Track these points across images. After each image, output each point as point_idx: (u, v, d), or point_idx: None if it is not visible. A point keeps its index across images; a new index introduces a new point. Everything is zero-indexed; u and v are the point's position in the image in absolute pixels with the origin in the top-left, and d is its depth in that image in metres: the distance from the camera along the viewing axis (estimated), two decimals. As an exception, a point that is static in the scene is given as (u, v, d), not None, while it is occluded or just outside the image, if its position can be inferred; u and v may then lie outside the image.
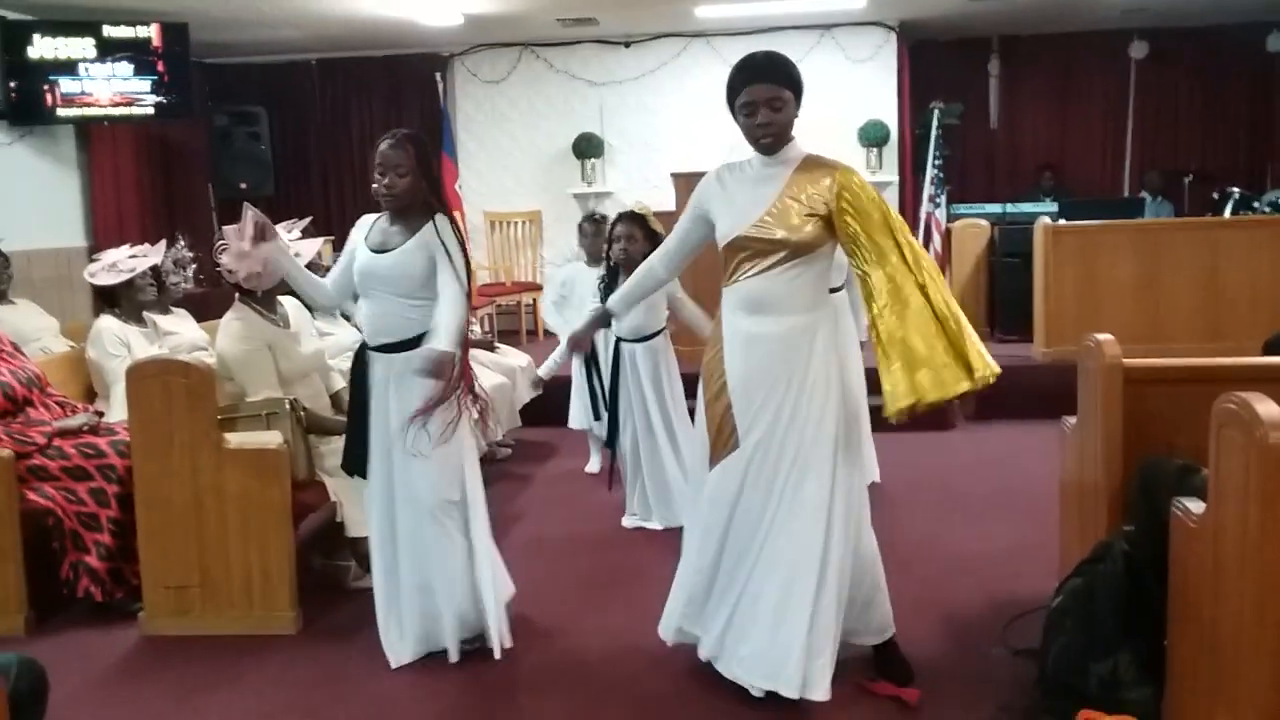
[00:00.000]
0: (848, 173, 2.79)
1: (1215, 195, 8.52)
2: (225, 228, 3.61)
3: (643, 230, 4.26)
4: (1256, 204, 8.15)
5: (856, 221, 2.71)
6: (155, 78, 7.27)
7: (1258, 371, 2.73)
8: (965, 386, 2.65)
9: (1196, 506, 2.35)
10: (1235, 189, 8.37)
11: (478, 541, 3.19)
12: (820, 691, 2.71)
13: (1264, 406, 2.08)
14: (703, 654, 2.98)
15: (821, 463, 2.76)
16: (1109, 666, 2.63)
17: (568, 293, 5.35)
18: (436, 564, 3.15)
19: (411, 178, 3.09)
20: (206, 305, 5.95)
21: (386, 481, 3.19)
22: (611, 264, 4.34)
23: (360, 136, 9.47)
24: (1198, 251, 6.56)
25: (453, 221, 3.17)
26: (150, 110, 7.34)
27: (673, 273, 3.19)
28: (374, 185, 3.12)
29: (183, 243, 6.54)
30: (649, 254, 4.25)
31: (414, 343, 3.07)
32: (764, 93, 2.75)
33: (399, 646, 3.22)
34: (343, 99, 9.48)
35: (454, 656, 3.19)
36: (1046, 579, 3.23)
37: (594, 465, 5.50)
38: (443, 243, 3.07)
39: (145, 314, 4.53)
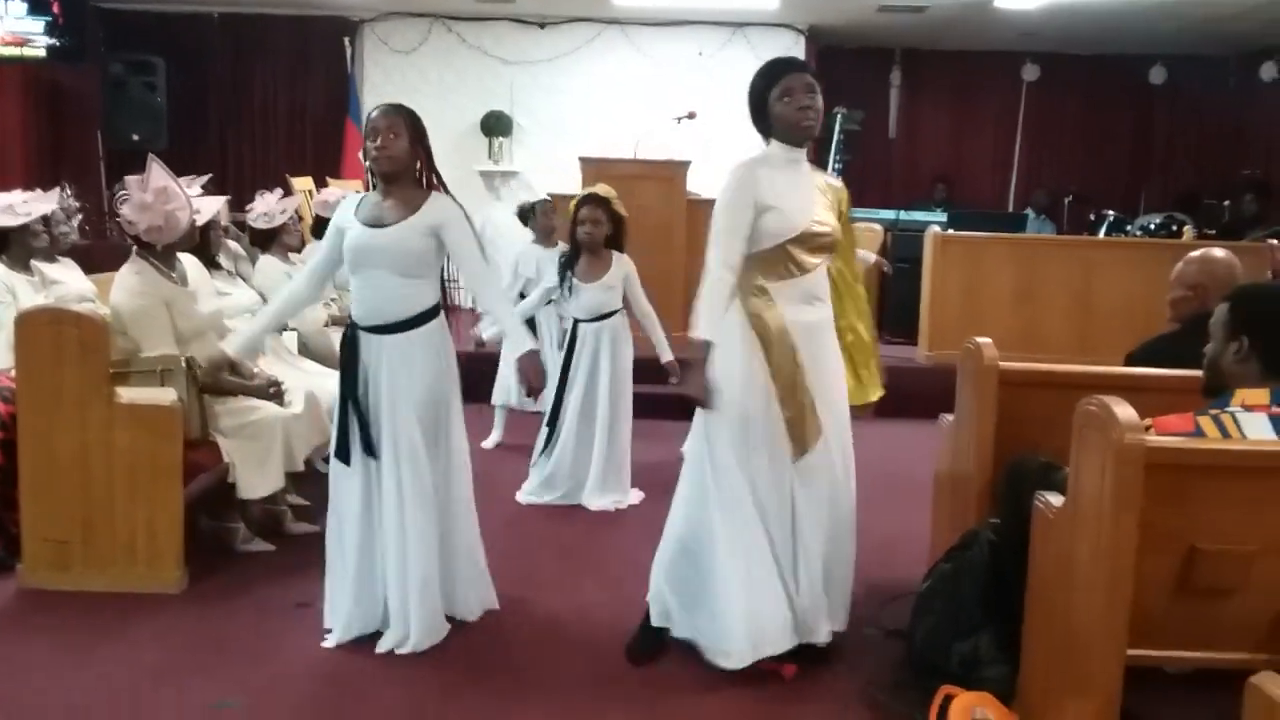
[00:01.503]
0: (838, 183, 3.14)
1: (1092, 216, 8.99)
2: (127, 178, 3.54)
3: (607, 213, 4.36)
4: (1129, 227, 8.64)
5: (844, 221, 3.04)
6: (50, 19, 7.01)
7: (1120, 380, 2.93)
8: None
9: (1056, 500, 2.54)
10: (1111, 211, 8.85)
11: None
12: None
13: (1121, 409, 2.27)
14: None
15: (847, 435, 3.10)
16: (970, 646, 2.83)
17: (535, 274, 5.33)
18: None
19: (405, 142, 3.02)
20: (90, 257, 5.76)
21: (377, 468, 3.10)
22: (574, 244, 4.42)
23: (262, 95, 9.28)
24: (1073, 268, 6.95)
25: (449, 194, 3.13)
26: (42, 52, 7.08)
27: (737, 274, 2.98)
28: (366, 152, 3.04)
29: (69, 191, 6.31)
30: (611, 236, 4.40)
31: (410, 323, 3.04)
32: (802, 80, 2.91)
33: (353, 623, 3.15)
34: (246, 56, 9.26)
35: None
36: (918, 566, 3.42)
37: (493, 441, 5.57)
38: (466, 220, 3.07)
39: (32, 262, 4.39)
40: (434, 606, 3.14)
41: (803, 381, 2.96)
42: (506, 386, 5.49)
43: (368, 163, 3.08)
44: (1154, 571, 2.30)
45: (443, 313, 3.15)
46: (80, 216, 6.52)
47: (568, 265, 4.50)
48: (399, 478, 3.06)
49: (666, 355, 4.51)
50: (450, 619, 3.23)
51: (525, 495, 4.66)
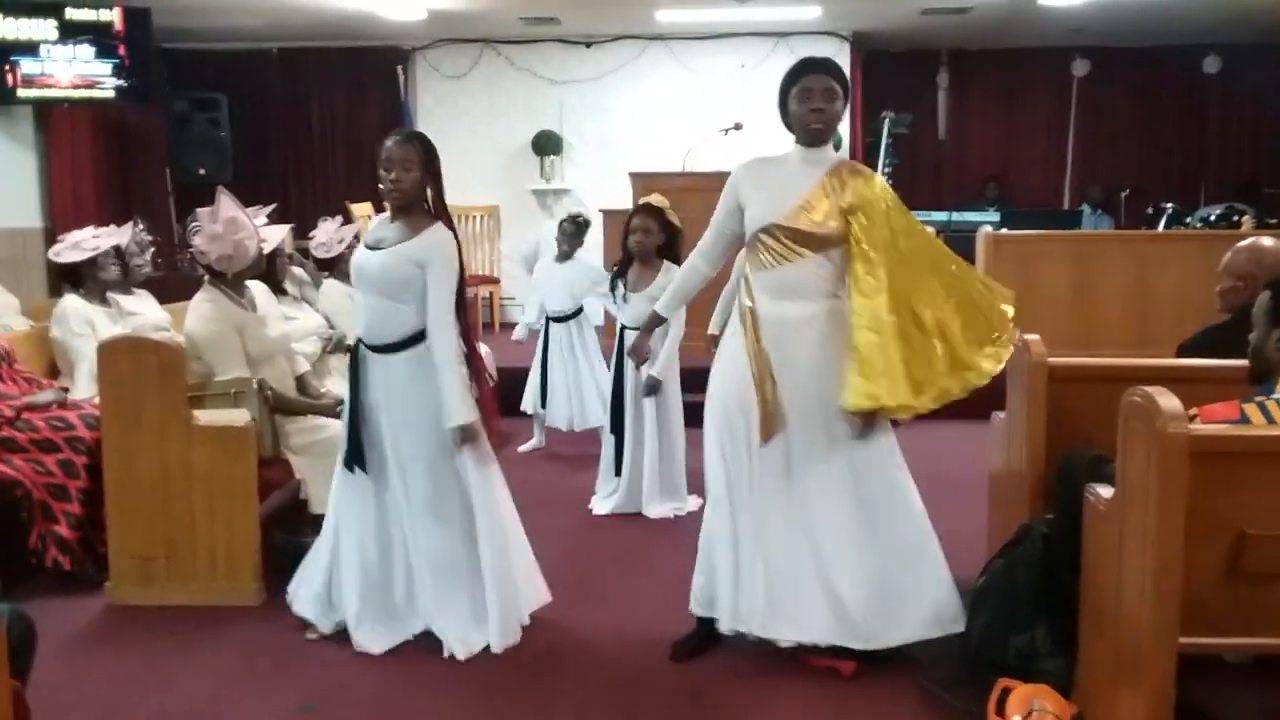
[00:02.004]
0: (872, 179, 3.04)
1: (1150, 209, 8.88)
2: (198, 210, 3.71)
3: (658, 222, 4.45)
4: (1189, 219, 8.53)
5: (858, 224, 2.96)
6: (116, 61, 7.29)
7: (1168, 372, 2.95)
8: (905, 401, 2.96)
9: (1106, 492, 2.57)
10: (1169, 204, 8.75)
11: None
12: None
13: (1165, 400, 2.30)
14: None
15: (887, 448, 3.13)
16: (1027, 640, 2.86)
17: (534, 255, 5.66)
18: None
19: (418, 174, 3.10)
20: (164, 288, 6.00)
21: (381, 479, 3.25)
22: (627, 254, 4.53)
23: (320, 126, 9.54)
24: (1130, 263, 6.88)
25: (453, 228, 3.18)
26: (110, 94, 7.36)
27: (715, 267, 3.24)
28: (380, 183, 3.13)
29: (142, 226, 6.57)
30: (663, 246, 4.46)
31: (405, 344, 3.14)
32: (820, 82, 2.98)
33: (379, 634, 3.27)
34: (303, 88, 9.53)
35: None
36: (973, 564, 3.43)
37: (533, 444, 5.78)
38: (452, 259, 3.11)
39: (109, 294, 4.60)
40: (462, 614, 3.24)
41: (768, 371, 3.01)
42: (535, 393, 5.64)
43: (381, 189, 3.17)
44: (1204, 559, 2.32)
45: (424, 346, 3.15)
46: (153, 249, 6.81)
47: (619, 274, 4.60)
48: (404, 491, 3.21)
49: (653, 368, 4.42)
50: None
51: (601, 508, 4.74)
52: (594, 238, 7.05)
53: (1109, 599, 2.53)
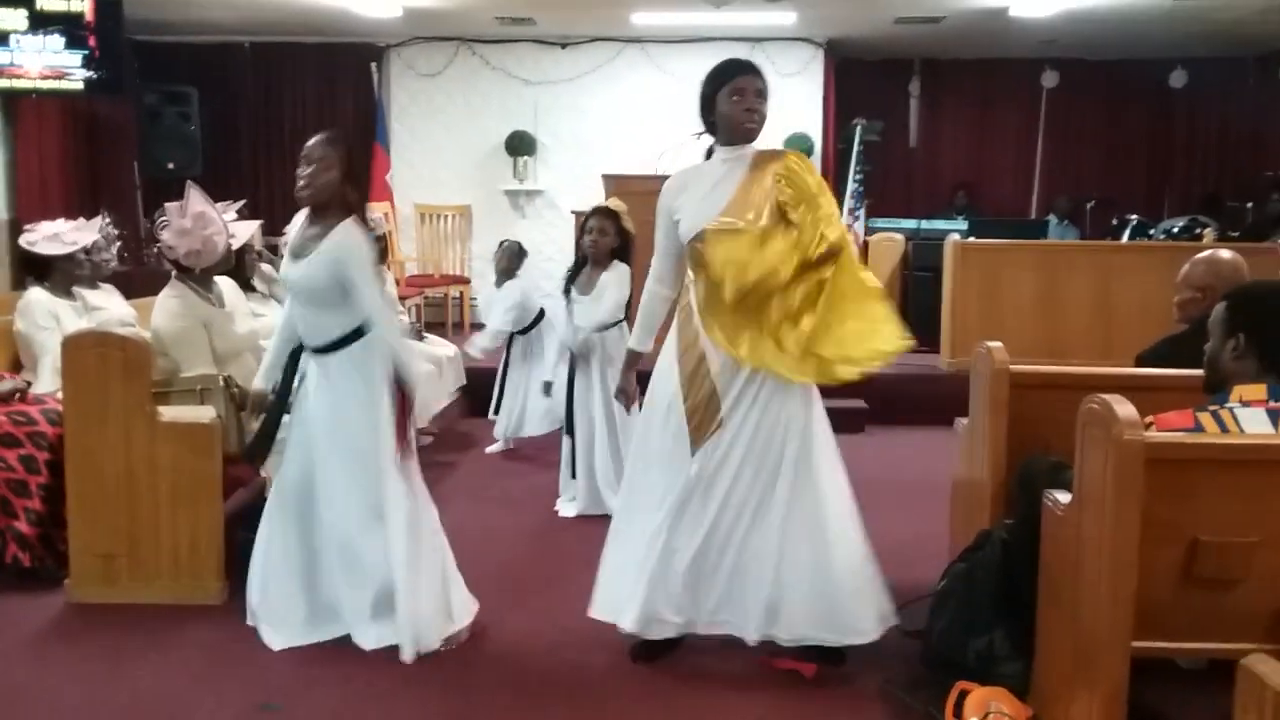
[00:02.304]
0: (789, 155, 3.04)
1: (1115, 221, 9.00)
2: (167, 204, 3.70)
3: (614, 225, 4.48)
4: (1153, 231, 8.65)
5: (792, 188, 2.94)
6: (86, 52, 7.21)
7: (1127, 380, 3.00)
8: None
9: (1064, 498, 2.61)
10: (1134, 216, 8.87)
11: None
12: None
13: (1121, 407, 2.35)
14: (704, 630, 3.12)
15: (824, 438, 3.11)
16: (985, 643, 2.90)
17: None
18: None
19: (334, 175, 3.05)
20: (129, 283, 5.94)
21: (304, 478, 3.26)
22: (581, 255, 4.55)
23: (292, 121, 9.48)
24: (1095, 273, 6.96)
25: (365, 223, 3.15)
26: (80, 85, 7.28)
27: (675, 288, 3.21)
28: (296, 181, 3.10)
29: (108, 219, 6.51)
30: (616, 249, 4.49)
31: (341, 343, 3.13)
32: (754, 83, 2.99)
33: (298, 630, 3.28)
34: (275, 83, 9.47)
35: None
36: (936, 569, 3.47)
37: (498, 446, 5.79)
38: (364, 253, 3.07)
39: (74, 288, 4.56)
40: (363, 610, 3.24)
41: (705, 372, 3.02)
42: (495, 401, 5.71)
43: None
44: (1158, 564, 2.37)
45: (362, 343, 3.14)
46: (119, 243, 6.75)
47: (570, 279, 4.62)
48: (322, 481, 3.21)
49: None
50: None
51: (567, 510, 4.74)
52: (566, 237, 7.08)
53: (1065, 603, 2.57)
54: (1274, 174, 8.96)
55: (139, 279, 6.24)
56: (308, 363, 3.24)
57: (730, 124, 3.02)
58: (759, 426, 3.01)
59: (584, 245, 4.54)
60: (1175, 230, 8.52)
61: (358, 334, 3.15)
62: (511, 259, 5.83)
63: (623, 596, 3.12)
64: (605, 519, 4.53)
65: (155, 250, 7.87)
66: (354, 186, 3.13)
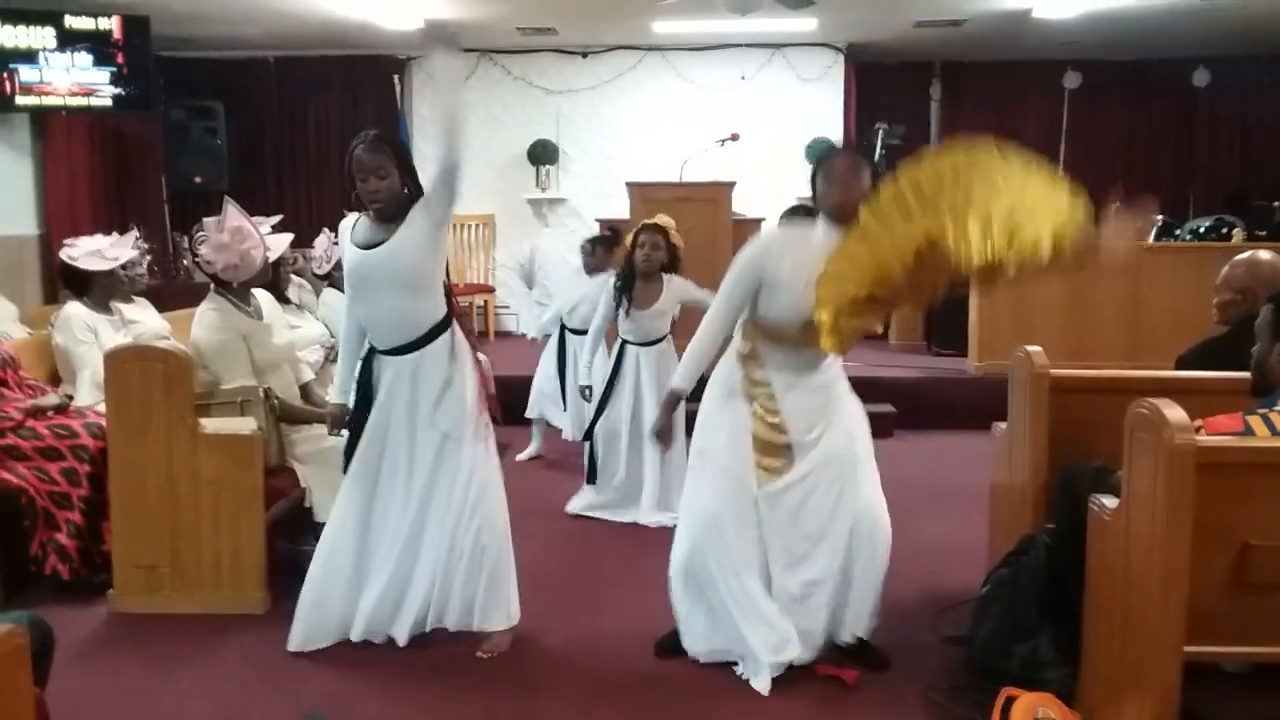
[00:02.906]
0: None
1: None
2: (205, 219, 3.73)
3: (665, 240, 4.57)
4: (1179, 231, 8.60)
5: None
6: (114, 69, 7.29)
7: (1170, 383, 2.99)
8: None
9: (1111, 502, 2.60)
10: (1160, 216, 8.81)
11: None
12: None
13: (1172, 412, 2.34)
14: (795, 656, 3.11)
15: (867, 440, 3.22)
16: (1030, 648, 2.89)
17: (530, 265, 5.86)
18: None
19: (394, 178, 3.09)
20: (158, 296, 6.01)
21: (404, 479, 3.24)
22: (632, 270, 4.63)
23: (316, 134, 9.55)
24: (1123, 274, 6.92)
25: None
26: (108, 102, 7.36)
27: (730, 332, 3.22)
28: (358, 191, 3.12)
29: (138, 234, 6.58)
30: (667, 264, 4.59)
31: (428, 337, 3.16)
32: (842, 164, 3.06)
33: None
34: (300, 97, 9.53)
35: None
36: (974, 574, 3.48)
37: (530, 452, 5.84)
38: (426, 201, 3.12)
39: (111, 302, 4.60)
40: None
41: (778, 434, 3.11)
42: (539, 399, 5.72)
43: (360, 198, 3.14)
44: (1208, 569, 2.36)
45: (452, 327, 3.22)
46: (149, 258, 6.82)
47: (624, 289, 4.65)
48: (417, 492, 3.20)
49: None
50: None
51: (574, 506, 4.83)
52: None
53: (1114, 608, 2.57)
54: (1302, 172, 8.90)
55: (168, 293, 6.30)
56: (383, 369, 3.22)
57: (826, 205, 3.05)
58: (825, 460, 3.10)
59: (637, 260, 4.60)
60: (1202, 230, 8.46)
61: (448, 321, 3.19)
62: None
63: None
64: (636, 527, 4.62)
65: (184, 264, 7.99)
66: (412, 179, 3.16)
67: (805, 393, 3.11)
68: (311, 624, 3.30)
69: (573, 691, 3.09)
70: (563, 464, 5.71)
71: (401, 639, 3.28)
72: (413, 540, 3.23)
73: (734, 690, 3.08)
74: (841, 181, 3.00)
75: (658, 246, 4.57)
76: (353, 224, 3.27)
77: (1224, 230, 8.34)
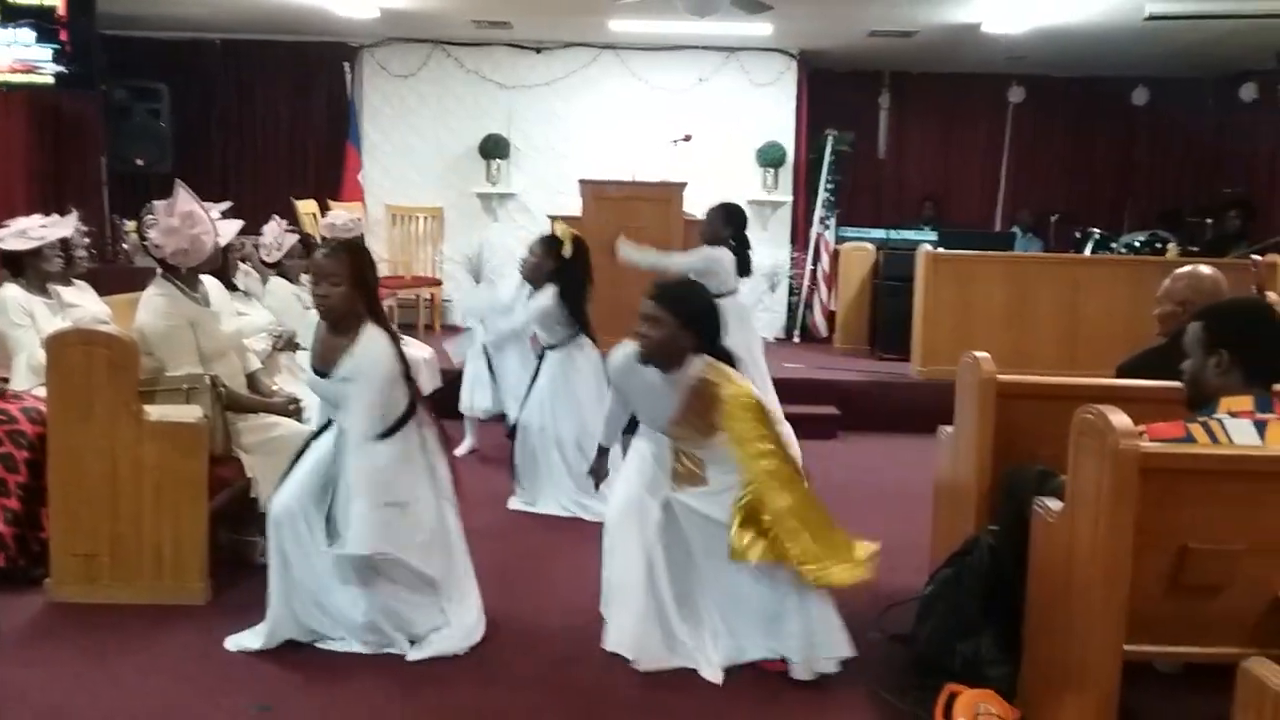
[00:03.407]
0: (728, 406, 3.03)
1: (1078, 234, 9.17)
2: (154, 202, 3.66)
3: (543, 248, 4.90)
4: (1114, 245, 8.83)
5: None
6: (57, 47, 7.11)
7: (1113, 391, 3.08)
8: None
9: (1055, 505, 2.67)
10: (1096, 230, 9.04)
11: None
12: None
13: (1117, 417, 2.41)
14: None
15: None
16: (973, 647, 2.96)
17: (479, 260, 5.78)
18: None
19: (345, 288, 3.07)
20: (97, 280, 5.87)
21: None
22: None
23: (264, 120, 9.40)
24: (1061, 285, 7.10)
25: (390, 333, 3.17)
26: (50, 79, 7.17)
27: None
28: (312, 293, 3.16)
29: (77, 216, 6.42)
30: (551, 270, 4.81)
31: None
32: (645, 307, 3.08)
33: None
34: (247, 81, 9.37)
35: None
36: (917, 574, 3.55)
37: (465, 447, 5.77)
38: (377, 371, 3.09)
39: (48, 285, 4.50)
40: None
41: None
42: (470, 395, 5.64)
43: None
44: (1148, 570, 2.43)
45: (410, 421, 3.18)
46: (88, 240, 6.66)
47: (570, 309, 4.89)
48: None
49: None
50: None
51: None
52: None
53: (1055, 607, 2.63)
54: (1232, 191, 9.16)
55: (107, 277, 6.14)
56: None
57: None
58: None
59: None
60: (1137, 244, 8.70)
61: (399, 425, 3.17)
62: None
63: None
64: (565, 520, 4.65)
65: (123, 248, 7.81)
66: (363, 291, 3.13)
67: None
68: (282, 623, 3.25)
69: (520, 684, 3.09)
70: (494, 458, 5.64)
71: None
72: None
73: (677, 685, 3.09)
74: (643, 327, 3.10)
75: (534, 253, 4.86)
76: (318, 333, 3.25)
77: (1158, 245, 8.58)
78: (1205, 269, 3.50)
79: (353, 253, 3.14)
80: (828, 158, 8.91)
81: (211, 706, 2.90)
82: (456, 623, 3.28)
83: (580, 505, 4.69)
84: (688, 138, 7.65)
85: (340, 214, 6.40)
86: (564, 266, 4.82)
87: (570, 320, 4.82)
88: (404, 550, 3.11)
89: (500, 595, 3.60)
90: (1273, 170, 9.55)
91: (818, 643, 3.08)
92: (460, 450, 5.76)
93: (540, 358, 4.94)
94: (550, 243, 4.87)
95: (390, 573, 3.15)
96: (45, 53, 7.09)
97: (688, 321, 3.03)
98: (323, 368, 3.14)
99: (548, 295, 4.79)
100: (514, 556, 4.20)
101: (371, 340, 3.10)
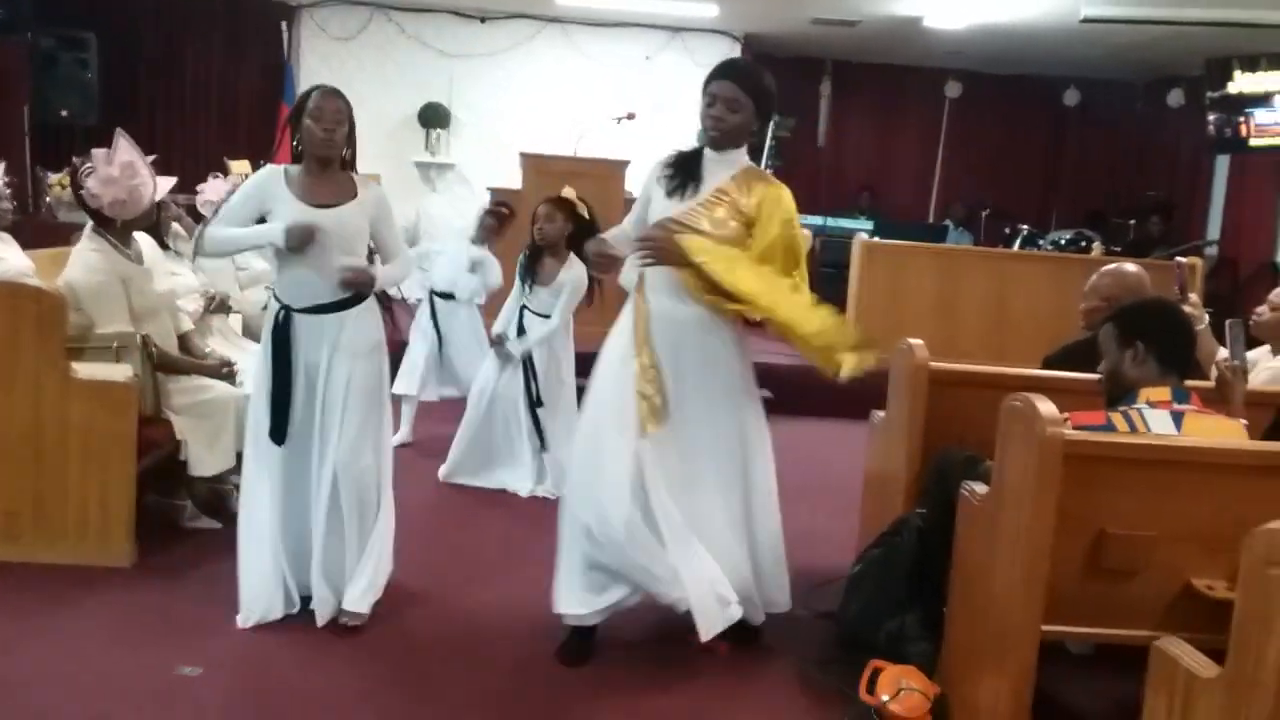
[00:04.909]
0: (778, 189, 3.05)
1: (1007, 230, 9.39)
2: (94, 151, 3.57)
3: (564, 213, 4.48)
4: (1042, 241, 9.06)
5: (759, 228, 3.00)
6: (-19, -11, 6.85)
7: (1040, 382, 3.17)
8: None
9: (981, 489, 2.76)
10: (1025, 226, 9.27)
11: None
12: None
13: (1044, 405, 2.49)
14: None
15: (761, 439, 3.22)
16: (897, 624, 3.04)
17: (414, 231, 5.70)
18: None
19: (346, 129, 3.11)
20: (17, 234, 5.70)
21: (307, 447, 3.16)
22: (533, 242, 4.56)
23: (195, 76, 9.20)
24: (991, 278, 7.27)
25: None
26: (-27, 23, 6.92)
27: None
28: (305, 132, 3.07)
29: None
30: (569, 235, 4.49)
31: (348, 302, 3.12)
32: (725, 91, 2.99)
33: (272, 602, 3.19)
34: (180, 35, 9.16)
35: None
36: (845, 554, 3.63)
37: (400, 438, 5.14)
38: (385, 209, 3.24)
39: (-30, 237, 4.35)
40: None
41: (653, 366, 3.05)
42: (413, 373, 5.27)
43: (298, 143, 3.13)
44: (1067, 553, 2.52)
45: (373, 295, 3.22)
46: (9, 192, 6.44)
47: (529, 264, 4.63)
48: (338, 458, 3.12)
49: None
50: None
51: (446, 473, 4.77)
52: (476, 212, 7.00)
53: (978, 588, 2.72)
54: (1155, 195, 9.46)
55: (28, 230, 5.96)
56: (301, 327, 3.12)
57: (701, 123, 3.08)
58: (705, 421, 3.09)
59: (534, 233, 4.54)
60: (1063, 242, 8.94)
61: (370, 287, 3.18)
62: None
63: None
64: (511, 497, 4.62)
65: (46, 201, 7.57)
66: (352, 136, 3.18)
67: (681, 326, 3.06)
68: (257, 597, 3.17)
69: (453, 657, 3.10)
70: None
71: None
72: (333, 509, 3.16)
73: (609, 663, 3.11)
74: (715, 110, 3.02)
75: (553, 219, 4.50)
76: (280, 175, 3.17)
77: (1083, 244, 8.83)
78: (1130, 266, 3.62)
79: (346, 98, 3.14)
80: (768, 142, 8.97)
81: (140, 667, 2.86)
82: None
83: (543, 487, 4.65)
84: (631, 116, 7.63)
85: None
86: (580, 231, 4.44)
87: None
88: None
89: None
90: (1194, 175, 9.87)
91: (764, 585, 3.15)
92: (395, 440, 5.50)
93: (520, 319, 4.64)
94: (564, 205, 4.51)
95: None
96: (-32, -5, 6.84)
97: (760, 106, 3.03)
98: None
99: (580, 276, 4.51)
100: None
101: (379, 189, 3.29)
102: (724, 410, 3.14)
